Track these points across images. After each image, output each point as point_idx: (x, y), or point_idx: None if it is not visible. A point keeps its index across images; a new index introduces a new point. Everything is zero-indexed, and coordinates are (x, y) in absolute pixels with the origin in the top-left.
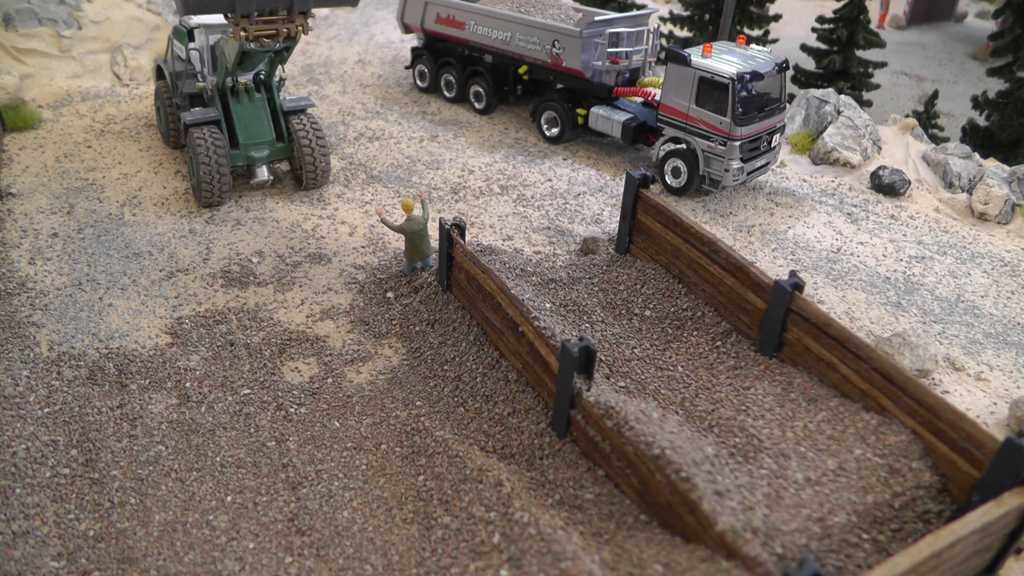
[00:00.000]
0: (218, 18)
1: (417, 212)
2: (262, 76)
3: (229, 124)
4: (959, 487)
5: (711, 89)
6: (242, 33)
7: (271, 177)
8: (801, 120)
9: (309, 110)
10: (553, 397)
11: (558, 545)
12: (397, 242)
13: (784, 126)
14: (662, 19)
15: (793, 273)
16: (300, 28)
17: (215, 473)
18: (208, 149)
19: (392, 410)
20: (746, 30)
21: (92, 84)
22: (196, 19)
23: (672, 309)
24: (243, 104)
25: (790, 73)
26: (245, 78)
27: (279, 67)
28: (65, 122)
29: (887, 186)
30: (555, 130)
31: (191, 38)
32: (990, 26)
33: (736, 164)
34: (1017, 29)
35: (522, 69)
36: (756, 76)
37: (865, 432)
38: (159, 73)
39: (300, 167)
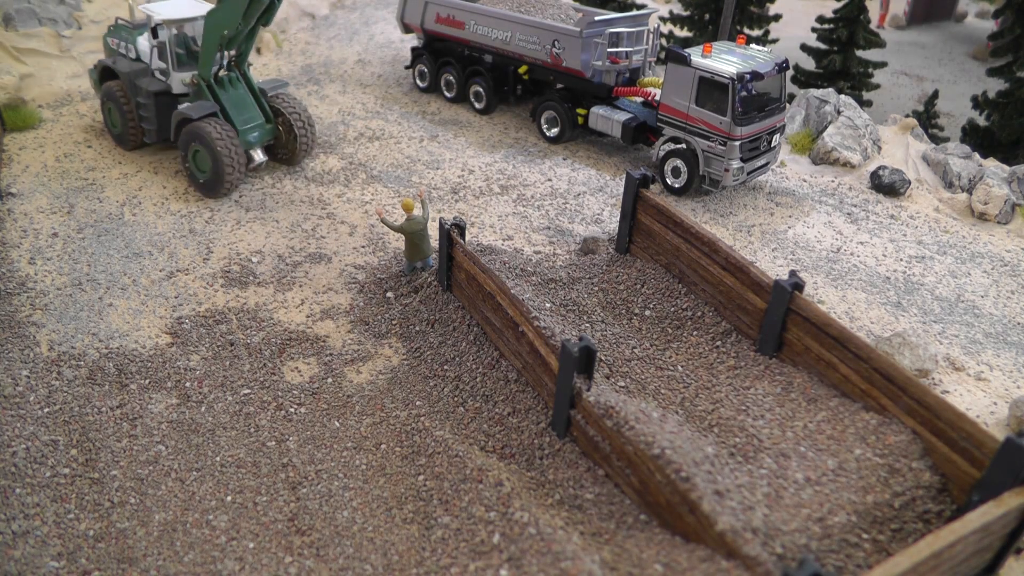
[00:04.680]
0: (179, 11)
1: (417, 212)
2: (233, 63)
3: (222, 113)
4: (959, 487)
5: (711, 89)
6: None
7: (266, 158)
8: (801, 120)
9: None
10: (553, 397)
11: (558, 545)
12: (397, 242)
13: (784, 126)
14: (662, 19)
15: (793, 273)
16: None
17: (215, 473)
18: (224, 140)
19: (392, 410)
20: (746, 30)
21: None
22: (160, 14)
23: (672, 309)
24: (229, 92)
25: (790, 73)
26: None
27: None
28: (65, 122)
29: (887, 186)
30: (555, 130)
31: (155, 35)
32: (990, 26)
33: (736, 164)
34: (1017, 29)
35: (522, 69)
36: (756, 76)
37: (865, 432)
38: (104, 75)
39: (290, 141)
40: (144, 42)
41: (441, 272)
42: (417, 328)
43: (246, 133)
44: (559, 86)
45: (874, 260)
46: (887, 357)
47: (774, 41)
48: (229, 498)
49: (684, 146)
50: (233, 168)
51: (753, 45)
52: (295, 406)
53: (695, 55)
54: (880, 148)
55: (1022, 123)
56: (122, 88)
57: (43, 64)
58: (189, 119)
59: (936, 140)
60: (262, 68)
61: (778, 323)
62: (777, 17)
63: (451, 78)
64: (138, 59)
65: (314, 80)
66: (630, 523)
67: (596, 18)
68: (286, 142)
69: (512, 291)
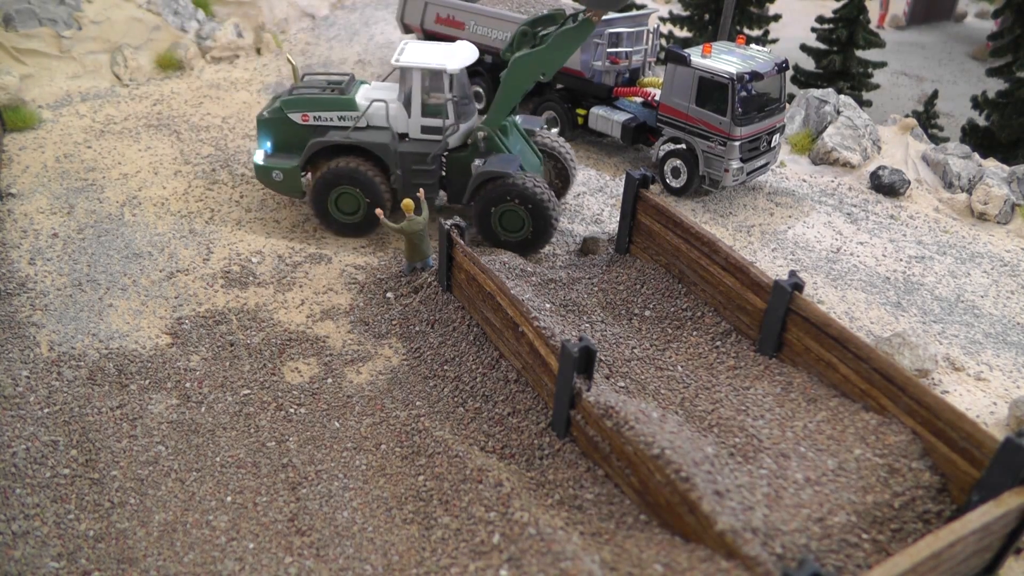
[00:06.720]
0: (457, 57)
1: (417, 213)
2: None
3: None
4: (959, 487)
5: (711, 89)
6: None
7: None
8: (801, 120)
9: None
10: (553, 397)
11: (558, 545)
12: (397, 242)
13: (784, 126)
14: (662, 19)
15: (793, 273)
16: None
17: (215, 473)
18: (545, 193)
19: (392, 410)
20: (746, 30)
21: (92, 84)
22: (449, 64)
23: (672, 309)
24: (510, 138)
25: (790, 73)
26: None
27: None
28: (65, 122)
29: (887, 186)
30: (555, 130)
31: (452, 87)
32: (990, 26)
33: (736, 164)
34: (1017, 29)
35: None
36: (756, 76)
37: (865, 432)
38: (312, 160)
39: (562, 177)
40: (383, 105)
41: (441, 272)
42: (417, 328)
43: None
44: (559, 86)
45: (874, 260)
46: (887, 357)
47: (774, 41)
48: (229, 498)
49: (684, 146)
50: (558, 221)
51: (753, 45)
52: (295, 406)
53: (695, 55)
54: (880, 148)
55: (1022, 123)
56: (370, 166)
57: (43, 64)
58: (498, 176)
59: (936, 140)
60: (262, 69)
61: (778, 323)
62: (777, 17)
63: None
64: (369, 127)
65: None
66: (630, 523)
67: None
68: (556, 176)
69: (512, 291)
